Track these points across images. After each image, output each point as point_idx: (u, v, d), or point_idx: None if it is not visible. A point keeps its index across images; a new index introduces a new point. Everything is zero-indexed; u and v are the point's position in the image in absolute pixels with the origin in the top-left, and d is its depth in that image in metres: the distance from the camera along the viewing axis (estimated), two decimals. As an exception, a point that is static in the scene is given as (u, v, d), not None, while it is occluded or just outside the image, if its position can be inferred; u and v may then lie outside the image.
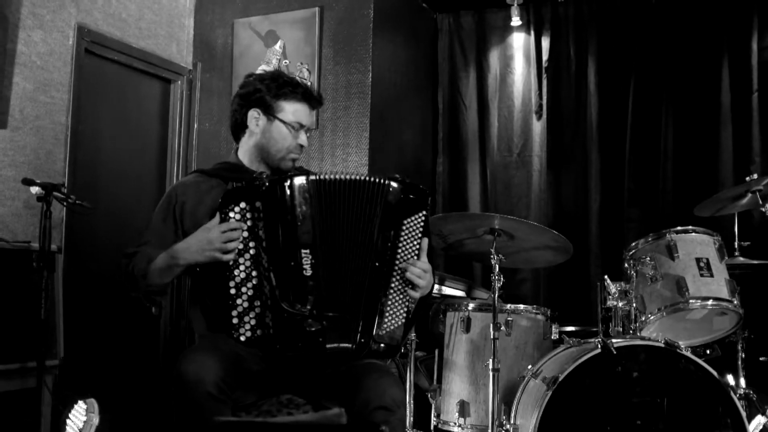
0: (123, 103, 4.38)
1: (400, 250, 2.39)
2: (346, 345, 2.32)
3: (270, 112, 2.56)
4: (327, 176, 2.38)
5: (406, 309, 2.39)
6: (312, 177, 2.38)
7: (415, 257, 2.42)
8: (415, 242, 2.42)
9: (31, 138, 3.71)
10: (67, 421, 3.35)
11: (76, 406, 3.46)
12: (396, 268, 2.38)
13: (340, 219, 2.36)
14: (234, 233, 2.30)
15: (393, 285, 2.37)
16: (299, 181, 2.35)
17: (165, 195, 2.62)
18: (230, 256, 2.30)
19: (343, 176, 2.39)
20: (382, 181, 2.41)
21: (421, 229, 2.44)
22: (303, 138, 2.60)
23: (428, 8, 5.14)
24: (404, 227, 2.40)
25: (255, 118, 2.58)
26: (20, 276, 3.16)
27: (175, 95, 4.68)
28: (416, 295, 2.41)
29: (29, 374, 3.08)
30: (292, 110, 2.57)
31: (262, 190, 2.33)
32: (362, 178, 2.41)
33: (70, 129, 3.89)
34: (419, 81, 5.06)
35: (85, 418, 3.52)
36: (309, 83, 4.42)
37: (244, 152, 2.63)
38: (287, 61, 4.51)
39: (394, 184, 2.41)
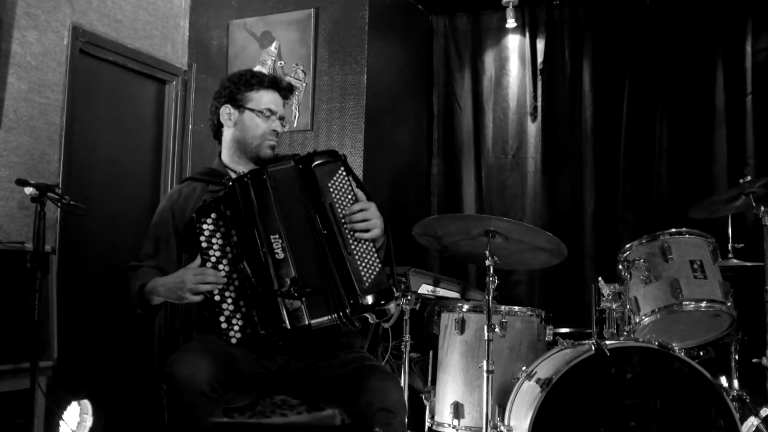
0: (118, 104, 4.37)
1: (338, 210, 2.38)
2: (328, 317, 2.31)
3: (239, 104, 2.65)
4: (275, 167, 2.44)
5: (375, 254, 2.38)
6: (266, 169, 2.44)
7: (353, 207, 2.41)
8: (348, 195, 2.42)
9: (26, 138, 3.70)
10: (61, 422, 3.34)
11: (69, 407, 3.46)
12: (343, 226, 2.37)
13: (289, 201, 2.40)
14: (208, 277, 2.34)
15: (349, 241, 2.36)
16: (252, 176, 2.41)
17: (158, 209, 2.69)
18: (198, 298, 2.33)
19: (279, 165, 2.46)
20: (292, 160, 2.46)
21: (347, 183, 2.44)
22: (277, 124, 2.67)
23: (423, 10, 5.14)
24: (331, 188, 2.40)
25: (227, 113, 2.67)
26: (14, 277, 3.15)
27: (170, 96, 4.68)
28: (368, 236, 2.38)
29: (22, 375, 3.06)
30: (260, 98, 2.66)
31: (223, 196, 2.40)
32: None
33: (65, 129, 3.89)
34: (414, 82, 5.06)
35: (78, 419, 3.52)
36: (303, 84, 4.43)
37: (226, 151, 2.71)
38: (282, 62, 4.50)
39: (302, 157, 2.46)
